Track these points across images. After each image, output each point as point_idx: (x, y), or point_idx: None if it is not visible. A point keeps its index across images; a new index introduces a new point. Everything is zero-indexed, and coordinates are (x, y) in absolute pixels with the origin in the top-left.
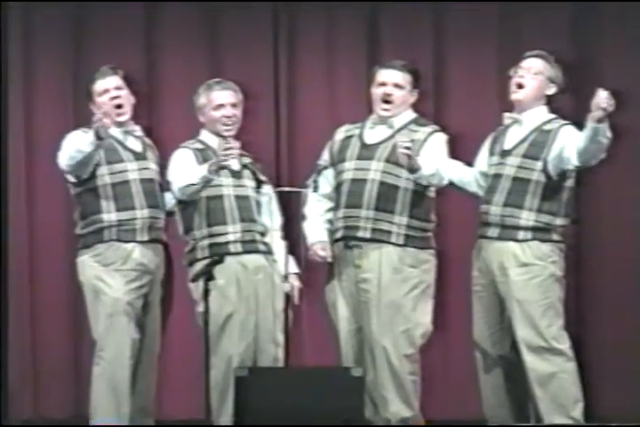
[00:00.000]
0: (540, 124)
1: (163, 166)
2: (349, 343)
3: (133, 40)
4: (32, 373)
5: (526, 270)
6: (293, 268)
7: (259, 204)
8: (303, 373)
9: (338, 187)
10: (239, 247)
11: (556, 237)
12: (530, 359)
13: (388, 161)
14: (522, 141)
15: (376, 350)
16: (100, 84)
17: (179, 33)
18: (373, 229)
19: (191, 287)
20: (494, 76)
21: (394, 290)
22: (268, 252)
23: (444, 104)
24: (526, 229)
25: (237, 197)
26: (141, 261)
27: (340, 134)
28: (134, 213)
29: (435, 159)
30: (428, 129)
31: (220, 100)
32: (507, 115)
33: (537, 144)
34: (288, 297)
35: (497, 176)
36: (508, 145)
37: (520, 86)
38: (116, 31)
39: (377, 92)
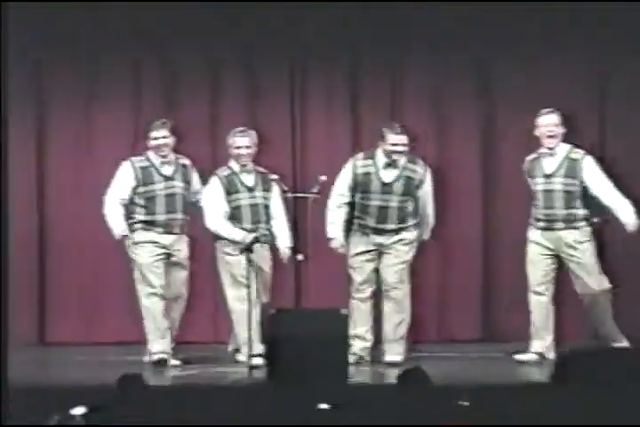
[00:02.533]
0: (567, 155)
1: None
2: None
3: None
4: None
5: (585, 245)
6: (287, 244)
7: (266, 207)
8: (310, 312)
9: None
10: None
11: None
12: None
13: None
14: (559, 167)
15: None
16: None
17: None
18: None
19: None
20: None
21: None
22: (270, 239)
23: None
24: (581, 220)
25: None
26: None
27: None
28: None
29: None
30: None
31: (239, 144)
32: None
33: (571, 168)
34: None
35: (549, 191)
36: (548, 170)
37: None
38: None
39: (390, 148)
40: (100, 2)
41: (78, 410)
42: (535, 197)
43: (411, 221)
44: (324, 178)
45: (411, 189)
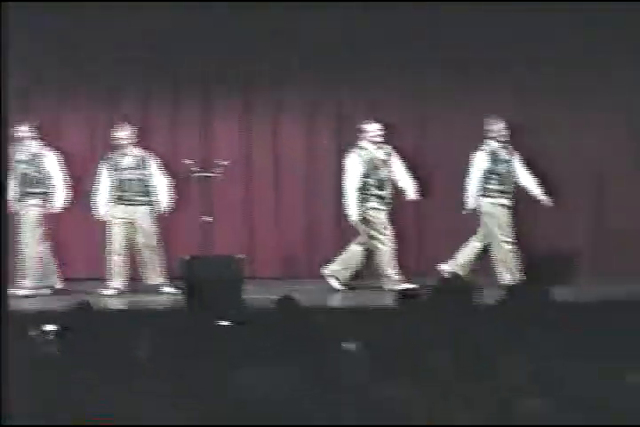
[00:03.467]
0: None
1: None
2: None
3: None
4: None
5: None
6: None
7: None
8: (214, 257)
9: None
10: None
11: None
12: None
13: None
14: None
15: None
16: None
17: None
18: None
19: None
20: None
21: None
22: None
23: None
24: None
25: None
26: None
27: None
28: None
29: None
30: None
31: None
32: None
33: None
34: None
35: (507, 174)
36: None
37: None
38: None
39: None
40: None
41: (50, 327)
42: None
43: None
44: (225, 162)
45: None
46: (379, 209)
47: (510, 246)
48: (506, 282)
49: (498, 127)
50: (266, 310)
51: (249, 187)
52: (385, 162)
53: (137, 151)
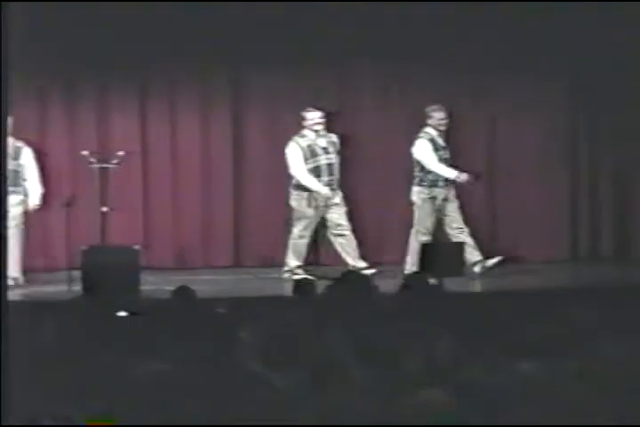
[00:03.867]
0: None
1: None
2: None
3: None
4: None
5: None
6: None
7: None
8: (111, 248)
9: None
10: None
11: None
12: None
13: None
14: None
15: None
16: None
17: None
18: None
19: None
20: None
21: None
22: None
23: None
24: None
25: None
26: None
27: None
28: None
29: None
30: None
31: None
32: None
33: None
34: None
35: (447, 160)
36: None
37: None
38: None
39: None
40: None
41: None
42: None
43: None
44: (121, 153)
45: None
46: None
47: (426, 238)
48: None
49: (439, 116)
50: (163, 301)
51: (146, 177)
52: (325, 150)
53: (12, 142)
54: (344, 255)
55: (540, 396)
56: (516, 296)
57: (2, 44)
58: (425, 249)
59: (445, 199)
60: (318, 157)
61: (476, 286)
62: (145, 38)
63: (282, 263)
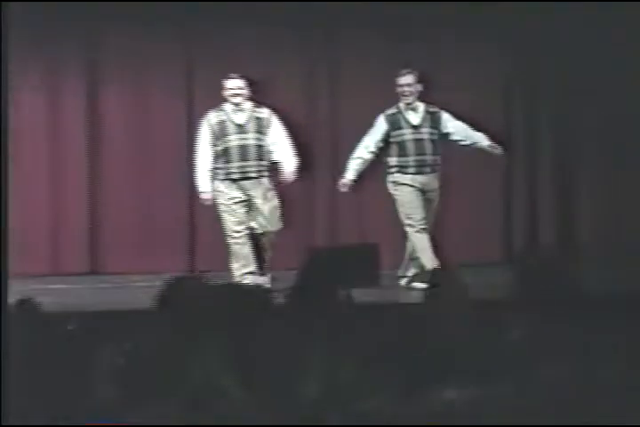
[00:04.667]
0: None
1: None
2: None
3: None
4: None
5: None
6: None
7: None
8: None
9: None
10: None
11: None
12: None
13: None
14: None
15: None
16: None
17: None
18: None
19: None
20: None
21: None
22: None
23: None
24: (439, 165)
25: None
26: None
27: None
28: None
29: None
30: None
31: None
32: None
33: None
34: None
35: (419, 140)
36: (414, 122)
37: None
38: None
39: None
40: None
41: None
42: (400, 146)
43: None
44: None
45: (262, 127)
46: (229, 188)
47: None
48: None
49: (402, 81)
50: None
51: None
52: (242, 128)
53: None
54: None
55: None
56: (443, 308)
57: (2, 44)
58: (321, 254)
59: None
60: (228, 137)
61: (396, 296)
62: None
63: (148, 270)
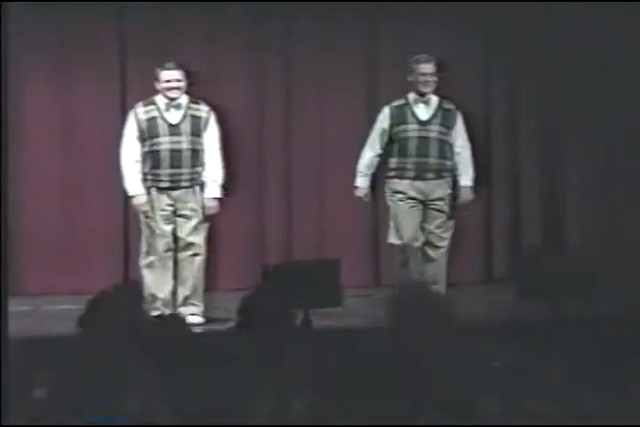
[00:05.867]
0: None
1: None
2: None
3: None
4: None
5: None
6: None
7: None
8: None
9: None
10: None
11: None
12: None
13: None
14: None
15: None
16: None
17: None
18: None
19: None
20: None
21: None
22: None
23: None
24: (450, 171)
25: None
26: None
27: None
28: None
29: None
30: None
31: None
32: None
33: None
34: None
35: (424, 138)
36: (423, 117)
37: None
38: None
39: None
40: None
41: None
42: (401, 144)
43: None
44: None
45: (200, 129)
46: (158, 195)
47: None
48: None
49: (421, 69)
50: None
51: None
52: (175, 128)
53: None
54: (181, 287)
55: None
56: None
57: (2, 44)
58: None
59: None
60: (158, 139)
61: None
62: None
63: (74, 290)
